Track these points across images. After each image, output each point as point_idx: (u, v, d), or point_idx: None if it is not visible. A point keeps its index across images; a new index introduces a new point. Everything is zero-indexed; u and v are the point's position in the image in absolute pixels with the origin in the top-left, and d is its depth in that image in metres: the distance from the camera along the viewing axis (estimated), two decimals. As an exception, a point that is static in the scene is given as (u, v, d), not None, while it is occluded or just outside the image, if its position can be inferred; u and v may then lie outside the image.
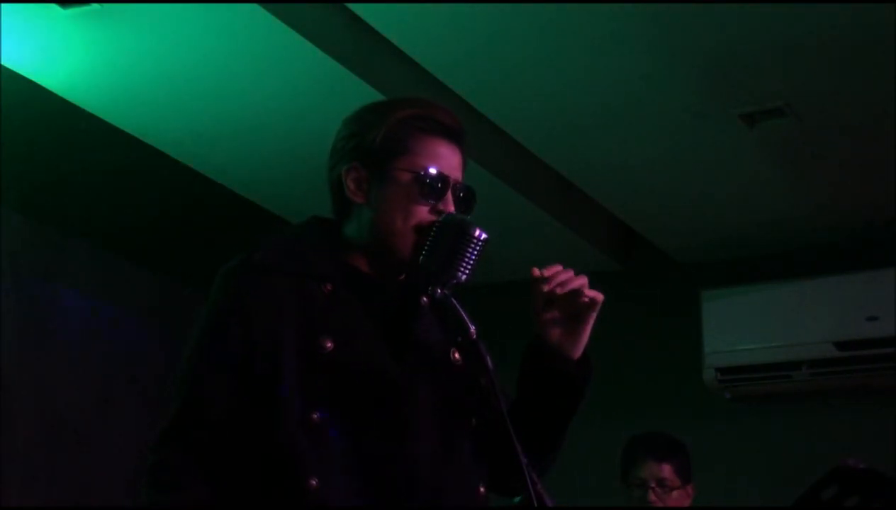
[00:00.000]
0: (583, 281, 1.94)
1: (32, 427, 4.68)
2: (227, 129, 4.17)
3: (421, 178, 1.95)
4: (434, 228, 1.92)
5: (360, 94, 3.77)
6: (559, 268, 1.93)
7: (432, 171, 1.95)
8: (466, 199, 2.00)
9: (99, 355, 5.01)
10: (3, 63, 3.65)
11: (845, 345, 4.68)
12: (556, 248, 5.02)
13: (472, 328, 1.90)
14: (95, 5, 3.36)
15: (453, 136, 2.00)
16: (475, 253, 1.90)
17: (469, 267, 1.90)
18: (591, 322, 1.98)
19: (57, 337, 4.84)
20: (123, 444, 5.02)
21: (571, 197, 4.84)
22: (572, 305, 1.94)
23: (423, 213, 1.94)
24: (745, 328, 4.86)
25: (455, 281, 1.90)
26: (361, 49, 3.74)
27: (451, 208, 1.96)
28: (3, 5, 3.34)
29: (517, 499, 3.64)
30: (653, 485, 3.73)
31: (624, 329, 5.30)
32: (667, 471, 3.75)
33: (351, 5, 3.57)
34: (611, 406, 5.17)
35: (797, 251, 5.08)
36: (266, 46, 3.61)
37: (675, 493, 3.74)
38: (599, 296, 1.95)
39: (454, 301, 1.91)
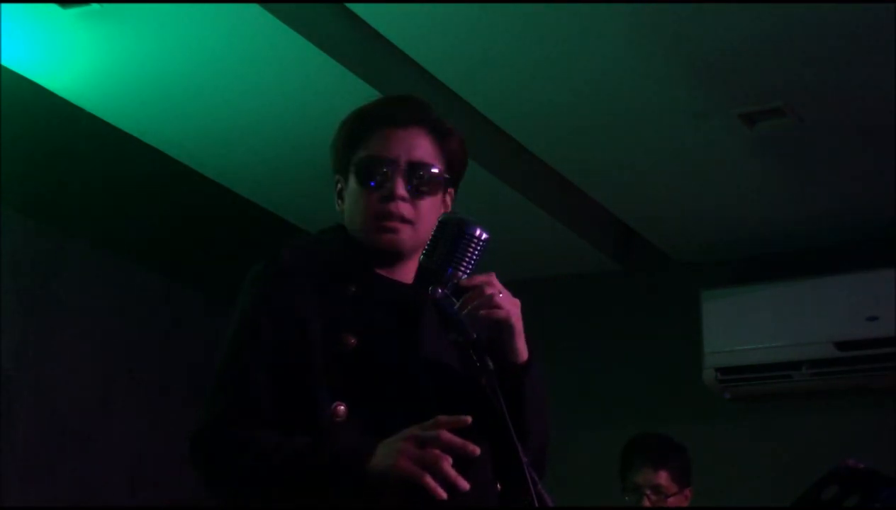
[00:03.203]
0: (490, 301, 1.87)
1: (32, 427, 4.68)
2: (227, 129, 4.17)
3: (357, 168, 1.97)
4: (435, 227, 1.91)
5: (361, 94, 3.77)
6: (479, 285, 1.87)
7: (362, 154, 1.97)
8: (420, 175, 1.97)
9: (99, 355, 5.00)
10: (3, 63, 3.65)
11: (845, 345, 4.68)
12: (556, 247, 5.02)
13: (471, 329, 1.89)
14: (95, 5, 3.36)
15: (400, 120, 2.00)
16: (476, 252, 1.88)
17: (469, 266, 1.88)
18: (515, 332, 1.90)
19: (57, 337, 4.83)
20: (123, 444, 5.02)
21: (571, 197, 4.84)
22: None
23: (373, 201, 1.95)
24: (745, 328, 4.85)
25: (455, 280, 1.88)
26: (362, 49, 3.74)
27: (399, 189, 1.95)
28: (3, 5, 3.34)
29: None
30: (647, 492, 3.69)
31: (624, 329, 5.30)
32: (663, 478, 3.71)
33: (351, 5, 3.57)
34: (611, 406, 5.17)
35: (797, 251, 5.08)
36: (266, 47, 3.61)
37: (671, 500, 3.70)
38: (501, 314, 1.88)
39: (454, 300, 1.90)
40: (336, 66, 3.68)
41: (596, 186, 4.77)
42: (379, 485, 1.69)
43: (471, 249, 1.88)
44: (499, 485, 1.92)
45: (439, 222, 1.91)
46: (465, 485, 1.65)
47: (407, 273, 2.02)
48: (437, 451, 1.66)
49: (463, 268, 1.88)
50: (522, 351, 1.93)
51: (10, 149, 4.18)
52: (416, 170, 1.97)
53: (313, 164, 4.40)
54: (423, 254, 1.90)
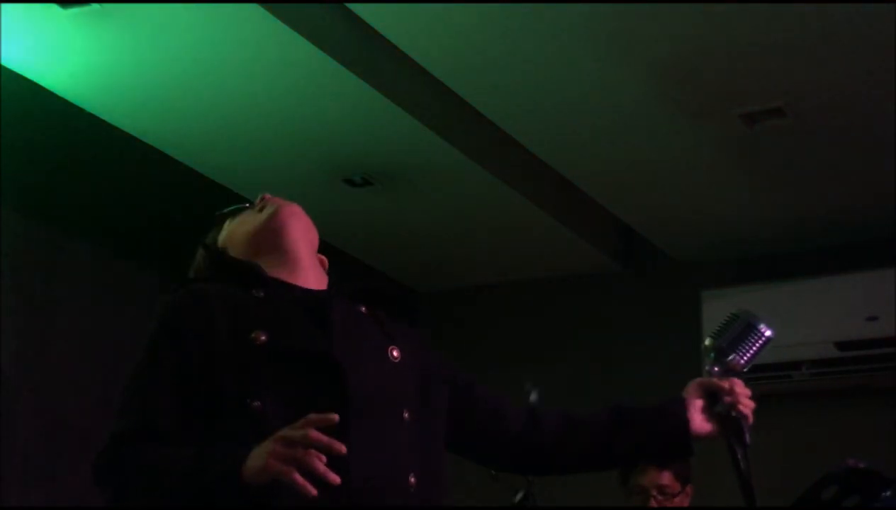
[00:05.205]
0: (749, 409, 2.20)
1: (32, 427, 4.68)
2: (226, 129, 4.17)
3: (241, 209, 2.39)
4: (730, 316, 2.17)
5: (361, 94, 3.77)
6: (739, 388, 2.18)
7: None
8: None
9: (99, 355, 5.00)
10: (3, 63, 3.65)
11: (845, 345, 4.69)
12: (556, 247, 5.02)
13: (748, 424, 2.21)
14: (95, 5, 3.36)
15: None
16: (758, 346, 2.16)
17: (748, 355, 2.16)
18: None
19: (57, 337, 4.83)
20: (123, 444, 5.01)
21: (571, 197, 4.84)
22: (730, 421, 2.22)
23: (258, 215, 2.26)
24: (745, 328, 4.85)
25: (732, 366, 2.18)
26: (361, 49, 3.74)
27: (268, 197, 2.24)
28: (3, 5, 3.35)
29: (518, 498, 3.64)
30: (654, 492, 3.73)
31: (624, 329, 5.30)
32: (667, 478, 3.75)
33: (351, 5, 3.58)
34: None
35: (797, 251, 5.08)
36: (266, 47, 3.61)
37: (676, 499, 3.75)
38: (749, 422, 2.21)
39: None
40: (336, 66, 3.68)
41: (596, 186, 4.78)
42: (256, 488, 1.73)
43: (755, 343, 2.16)
44: (412, 479, 1.92)
45: (734, 313, 2.18)
46: (335, 479, 1.69)
47: (310, 281, 2.09)
48: (304, 449, 1.70)
49: (745, 358, 2.16)
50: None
51: (10, 148, 4.18)
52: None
53: (312, 164, 4.40)
54: (711, 334, 2.17)
